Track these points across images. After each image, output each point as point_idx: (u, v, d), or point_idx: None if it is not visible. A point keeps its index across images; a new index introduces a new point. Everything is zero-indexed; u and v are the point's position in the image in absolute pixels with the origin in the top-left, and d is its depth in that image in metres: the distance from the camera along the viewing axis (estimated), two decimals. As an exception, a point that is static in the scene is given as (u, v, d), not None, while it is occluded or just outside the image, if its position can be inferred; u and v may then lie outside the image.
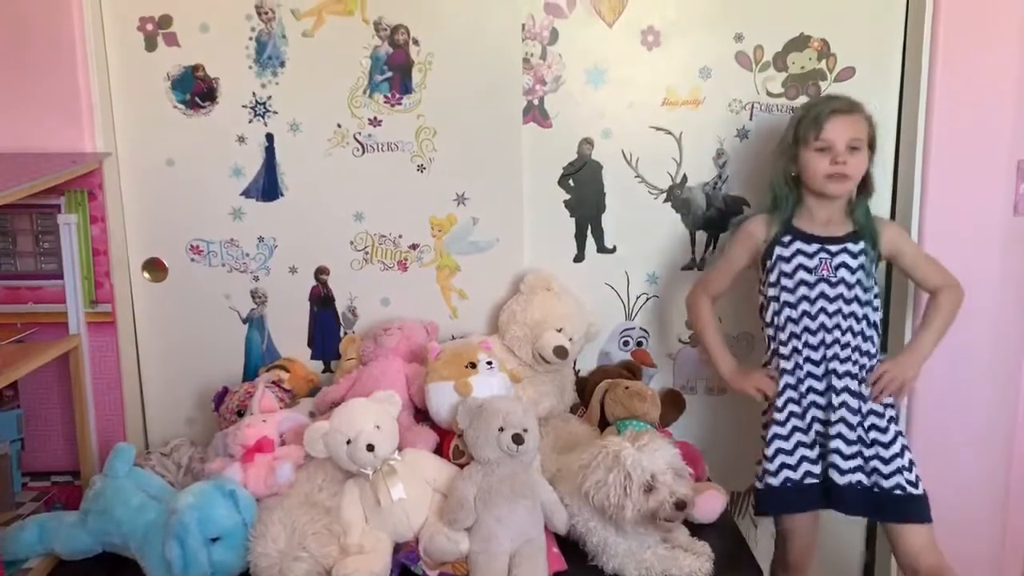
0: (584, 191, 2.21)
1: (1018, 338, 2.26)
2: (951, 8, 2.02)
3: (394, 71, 2.11)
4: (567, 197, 2.22)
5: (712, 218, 2.23)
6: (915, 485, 1.88)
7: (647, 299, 2.28)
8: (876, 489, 1.88)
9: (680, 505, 1.63)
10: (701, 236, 2.24)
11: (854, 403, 1.89)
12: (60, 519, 1.80)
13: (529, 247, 2.22)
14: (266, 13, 2.09)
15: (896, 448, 1.89)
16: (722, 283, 2.04)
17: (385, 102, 2.13)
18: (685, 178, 2.21)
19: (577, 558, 1.74)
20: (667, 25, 2.12)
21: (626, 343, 2.30)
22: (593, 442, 1.85)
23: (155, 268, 2.21)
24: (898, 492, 1.87)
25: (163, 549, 1.64)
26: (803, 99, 2.15)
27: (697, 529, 1.82)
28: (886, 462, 1.88)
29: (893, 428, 1.91)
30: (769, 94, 2.16)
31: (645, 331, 2.29)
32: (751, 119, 2.17)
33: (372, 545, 1.68)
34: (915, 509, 1.88)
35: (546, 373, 2.11)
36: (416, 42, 2.10)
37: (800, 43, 2.13)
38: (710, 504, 1.88)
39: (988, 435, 2.24)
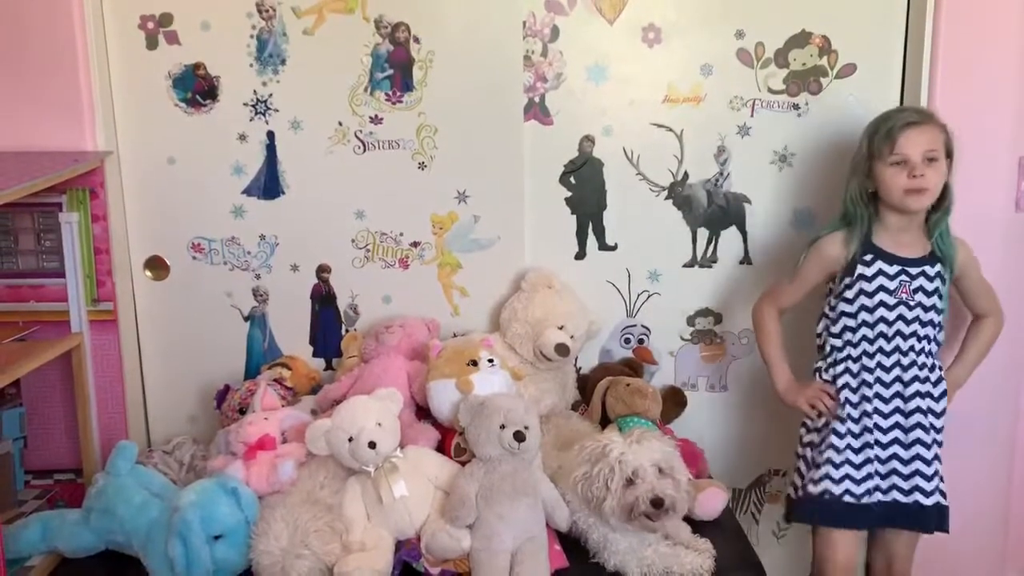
0: (585, 188, 2.21)
1: (1020, 334, 2.26)
2: (952, 4, 2.02)
3: (395, 69, 2.11)
4: (568, 194, 2.22)
5: (713, 215, 2.23)
6: (945, 496, 1.88)
7: (648, 296, 2.28)
8: (909, 502, 1.86)
9: (656, 503, 1.61)
10: (702, 233, 2.24)
11: (927, 423, 1.87)
12: (63, 517, 1.81)
13: (530, 245, 2.22)
14: (267, 11, 2.09)
15: (937, 465, 1.88)
16: (793, 298, 1.99)
17: (386, 100, 2.13)
18: (686, 175, 2.21)
19: (579, 555, 1.74)
20: (668, 22, 2.11)
21: (627, 340, 2.30)
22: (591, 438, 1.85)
23: (157, 266, 2.21)
24: (928, 504, 1.85)
25: (165, 547, 1.65)
26: (805, 96, 2.15)
27: (698, 526, 1.82)
28: (928, 479, 1.86)
29: (937, 440, 1.90)
30: (770, 91, 2.15)
31: (646, 328, 2.29)
32: (752, 116, 2.16)
33: (374, 542, 1.68)
34: (946, 520, 1.89)
35: (547, 371, 2.11)
36: (417, 40, 2.10)
37: (801, 40, 2.13)
38: (711, 501, 1.88)
39: (991, 430, 2.24)
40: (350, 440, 1.73)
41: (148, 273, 2.21)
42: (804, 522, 1.97)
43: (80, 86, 2.02)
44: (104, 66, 2.09)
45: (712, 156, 2.19)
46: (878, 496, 1.87)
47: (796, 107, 2.16)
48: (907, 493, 1.86)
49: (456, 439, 1.85)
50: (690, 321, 2.29)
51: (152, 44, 2.11)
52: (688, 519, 1.81)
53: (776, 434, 2.25)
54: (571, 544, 1.77)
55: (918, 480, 1.86)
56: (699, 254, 2.25)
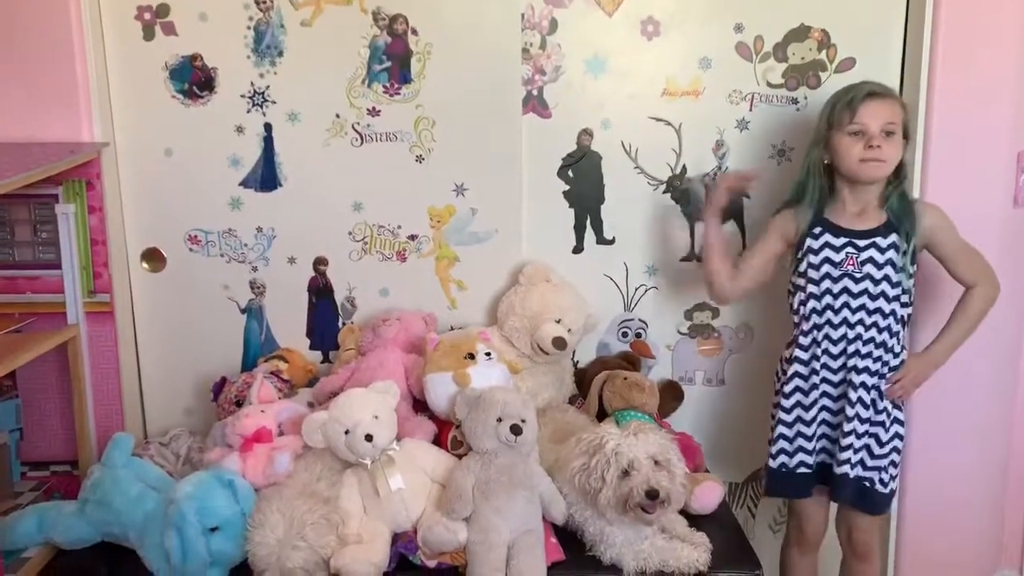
0: (583, 182, 2.21)
1: (1016, 328, 2.26)
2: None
3: (393, 61, 2.11)
4: (566, 188, 2.21)
5: (711, 209, 2.22)
6: (885, 484, 1.91)
7: (646, 290, 2.28)
8: (854, 476, 1.89)
9: (652, 494, 1.61)
10: (700, 228, 2.23)
11: (868, 399, 1.88)
12: (59, 509, 1.81)
13: (528, 238, 2.21)
14: (264, 2, 2.08)
15: (888, 448, 1.90)
16: (750, 258, 1.99)
17: (384, 92, 2.12)
18: (684, 169, 2.20)
19: (575, 548, 1.75)
20: (667, 15, 2.11)
21: (625, 334, 2.30)
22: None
23: (154, 258, 2.20)
24: (868, 486, 1.90)
25: (162, 539, 1.64)
26: (803, 90, 2.14)
27: (695, 520, 1.83)
28: (874, 457, 1.89)
29: (895, 429, 1.91)
30: (769, 85, 2.15)
31: (644, 322, 2.29)
32: (751, 110, 2.16)
33: (370, 535, 1.69)
34: (880, 504, 1.94)
35: (545, 364, 2.11)
36: (415, 32, 2.09)
37: (800, 34, 2.12)
38: (708, 495, 1.89)
39: (986, 424, 2.24)
40: (347, 433, 1.73)
41: (145, 265, 2.21)
42: (772, 495, 2.04)
43: (77, 77, 2.01)
44: (101, 57, 2.08)
45: (711, 150, 2.19)
46: (816, 456, 1.93)
47: (795, 101, 2.15)
48: (829, 456, 1.92)
49: (453, 432, 1.85)
50: (687, 315, 2.29)
51: (149, 35, 2.10)
52: (684, 513, 1.82)
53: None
54: (568, 537, 1.77)
55: (837, 449, 1.89)
56: (697, 248, 2.24)
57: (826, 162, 1.90)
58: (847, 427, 1.87)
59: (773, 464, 1.96)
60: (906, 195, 1.91)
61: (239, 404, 1.97)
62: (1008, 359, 2.25)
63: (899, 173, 1.89)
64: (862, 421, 1.88)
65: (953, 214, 1.97)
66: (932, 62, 2.05)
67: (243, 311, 2.24)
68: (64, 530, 1.78)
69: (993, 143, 2.10)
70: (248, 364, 2.23)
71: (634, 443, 1.64)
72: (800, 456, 1.93)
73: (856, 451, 1.88)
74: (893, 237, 1.86)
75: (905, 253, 1.86)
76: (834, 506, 2.02)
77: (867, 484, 1.90)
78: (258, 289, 2.23)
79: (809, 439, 1.92)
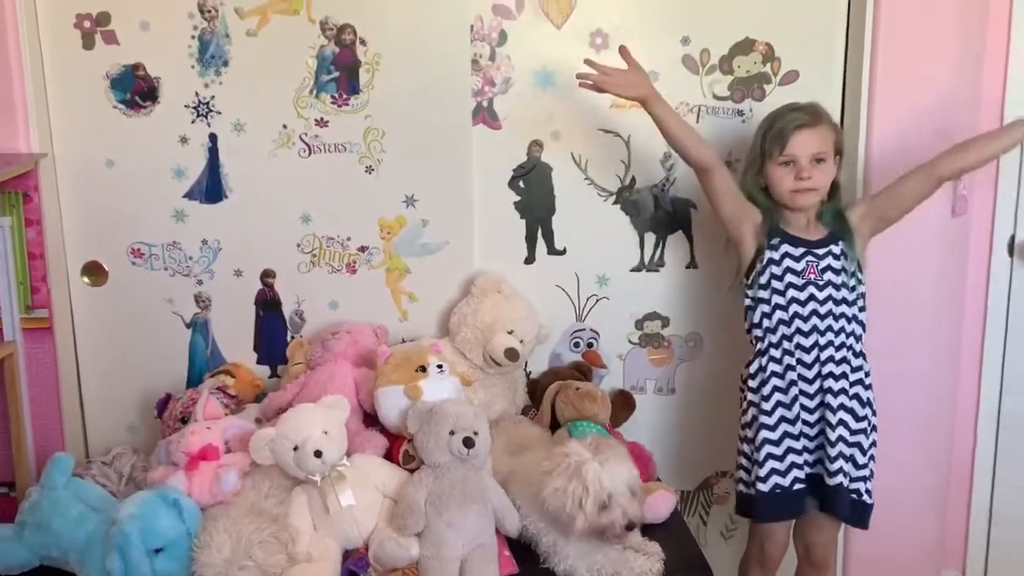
0: (534, 193, 2.21)
1: (955, 333, 2.32)
2: (891, 13, 2.07)
3: (341, 71, 2.09)
4: (517, 199, 2.22)
5: (660, 220, 2.25)
6: (871, 495, 1.92)
7: (597, 300, 2.29)
8: (846, 487, 1.89)
9: (630, 526, 1.64)
10: (650, 238, 2.25)
11: (850, 406, 1.89)
12: (-6, 533, 1.75)
13: (479, 249, 2.21)
14: (209, 12, 2.05)
15: (868, 457, 1.92)
16: (725, 177, 1.93)
17: (332, 103, 2.10)
18: (634, 180, 2.22)
19: (529, 560, 1.74)
20: (614, 28, 2.12)
21: (577, 344, 2.31)
22: (552, 446, 1.85)
23: (94, 272, 2.15)
24: (855, 497, 1.90)
25: (104, 562, 1.60)
26: (749, 102, 2.18)
27: (647, 529, 1.83)
28: (858, 467, 1.90)
29: (873, 437, 1.93)
30: (715, 97, 2.18)
31: (595, 332, 2.30)
32: (698, 121, 2.18)
33: (320, 553, 1.66)
34: (867, 516, 1.93)
35: (497, 375, 2.11)
36: (363, 42, 2.08)
37: (745, 47, 2.16)
38: (660, 504, 1.89)
39: (929, 427, 2.29)
40: (295, 449, 1.70)
41: (85, 279, 2.15)
42: (766, 520, 1.98)
43: (13, 86, 1.96)
44: (38, 66, 2.03)
45: (659, 161, 2.21)
46: (806, 470, 1.91)
47: (740, 113, 2.19)
48: (811, 467, 1.91)
49: (404, 446, 1.83)
50: (638, 325, 2.31)
51: (89, 44, 2.05)
52: (637, 522, 1.82)
53: (723, 436, 2.27)
54: (521, 549, 1.76)
55: (827, 460, 1.88)
56: (647, 258, 2.26)
57: (762, 186, 1.92)
58: (833, 436, 1.86)
59: (764, 487, 1.88)
60: (840, 211, 1.94)
61: (184, 421, 1.93)
62: (948, 362, 2.31)
63: (834, 193, 1.93)
64: (848, 430, 1.88)
65: (895, 225, 2.01)
66: (872, 76, 2.10)
67: (188, 325, 2.20)
68: (0, 555, 1.71)
69: (931, 154, 2.15)
70: (194, 380, 2.19)
71: (613, 473, 1.63)
72: (794, 472, 1.89)
73: (846, 460, 1.87)
74: (841, 245, 1.90)
75: (854, 259, 1.90)
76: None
77: (855, 496, 1.89)
78: (203, 303, 2.19)
79: (799, 453, 1.90)
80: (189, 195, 2.13)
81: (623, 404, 2.22)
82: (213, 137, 2.11)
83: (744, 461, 1.97)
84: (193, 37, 2.06)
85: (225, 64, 2.07)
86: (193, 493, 1.72)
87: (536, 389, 2.18)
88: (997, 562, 2.51)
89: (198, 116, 2.09)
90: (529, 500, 1.72)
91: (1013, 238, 2.37)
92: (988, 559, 2.52)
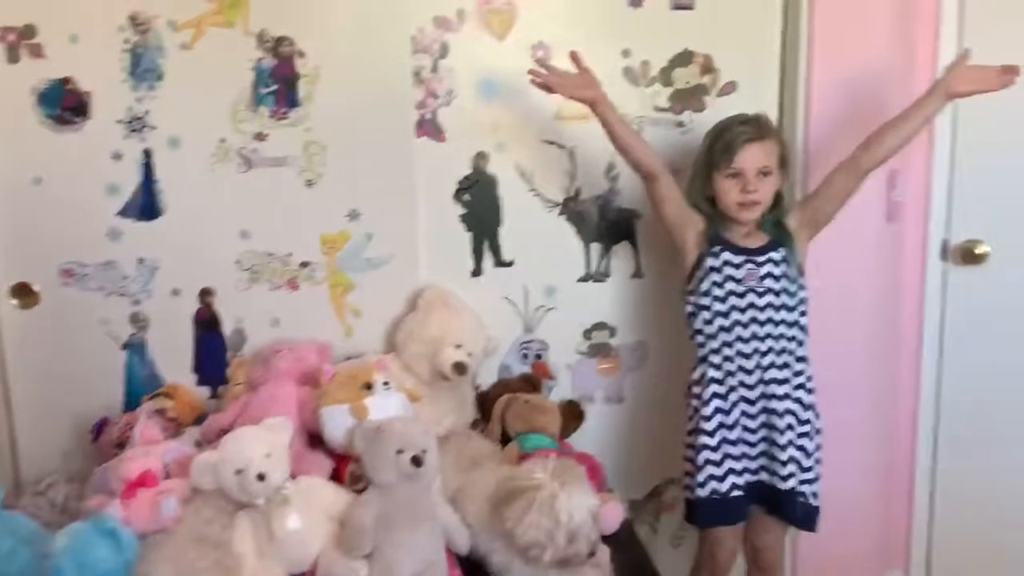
0: (480, 205, 2.20)
1: (893, 336, 2.38)
2: (824, 25, 2.12)
3: (279, 84, 2.05)
4: (463, 211, 2.20)
5: (606, 230, 2.26)
6: (817, 497, 1.95)
7: (545, 311, 2.28)
8: (796, 491, 1.92)
9: (592, 554, 1.63)
10: (596, 248, 2.26)
11: (793, 409, 1.91)
12: (-84, 570, 1.66)
13: (425, 262, 2.19)
14: (141, 24, 2.00)
15: (813, 460, 1.95)
16: (669, 185, 1.95)
17: (271, 116, 2.06)
18: (579, 191, 2.23)
19: (479, 578, 1.72)
20: (556, 40, 2.13)
21: (525, 356, 2.30)
22: (504, 462, 1.84)
23: (24, 294, 2.07)
24: (801, 500, 1.92)
25: (36, 599, 1.53)
26: (688, 113, 2.20)
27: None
28: (804, 470, 1.93)
29: (817, 440, 1.96)
30: (656, 109, 2.20)
31: (544, 344, 2.30)
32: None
33: (265, 580, 1.61)
34: (815, 518, 1.96)
35: (446, 390, 2.08)
36: (302, 54, 2.05)
37: (685, 59, 2.19)
38: (611, 515, 1.88)
39: (870, 432, 2.34)
40: (238, 473, 1.65)
41: (14, 301, 2.07)
42: (705, 526, 2.01)
43: (-69, 102, 1.88)
44: (-41, 80, 1.95)
45: (603, 172, 2.22)
46: (747, 476, 1.94)
47: (681, 124, 2.21)
48: (770, 474, 1.93)
49: (351, 467, 1.79)
50: (586, 335, 2.31)
51: (13, 57, 1.98)
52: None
53: (671, 444, 2.28)
54: (471, 567, 1.74)
55: (775, 464, 1.91)
56: (593, 269, 2.27)
57: (708, 196, 1.94)
58: (782, 441, 1.89)
59: (703, 493, 1.92)
60: (781, 221, 1.97)
61: (121, 446, 1.86)
62: (888, 365, 2.37)
63: (778, 203, 1.95)
64: (795, 434, 1.91)
65: (832, 229, 2.05)
66: (808, 86, 2.15)
67: (124, 347, 2.13)
68: (-76, 595, 1.63)
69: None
70: (131, 403, 2.12)
71: (579, 502, 1.61)
72: (731, 479, 1.92)
73: (796, 464, 1.90)
74: (782, 251, 1.93)
75: (795, 265, 1.93)
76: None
77: (801, 499, 1.92)
78: (140, 323, 2.12)
79: (737, 459, 1.92)
80: (123, 212, 2.07)
81: (572, 414, 2.21)
82: (148, 152, 2.05)
83: (689, 467, 1.99)
84: (125, 50, 2.00)
85: (159, 78, 2.02)
86: (131, 522, 1.64)
87: (486, 402, 2.16)
88: (939, 562, 2.57)
89: (131, 131, 2.04)
90: (482, 518, 1.70)
91: (946, 242, 2.45)
92: (930, 559, 2.58)
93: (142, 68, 2.01)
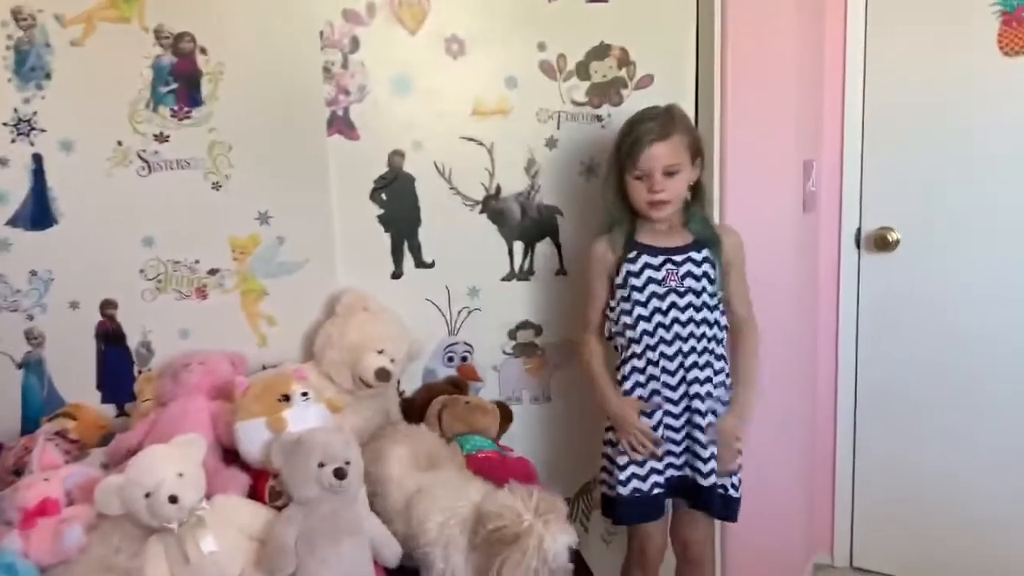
0: (398, 204, 2.14)
1: (812, 323, 2.42)
2: (736, 18, 2.13)
3: (180, 82, 1.95)
4: (380, 211, 2.14)
5: (528, 228, 2.23)
6: (737, 489, 1.96)
7: (469, 313, 2.24)
8: (717, 485, 1.93)
9: None
10: (518, 246, 2.23)
11: (712, 407, 1.92)
12: None
13: (343, 266, 2.11)
14: (25, 19, 1.87)
15: (714, 449, 1.94)
16: (597, 315, 1.99)
17: (172, 116, 1.96)
18: (499, 188, 2.19)
19: (411, 588, 1.67)
20: (470, 34, 2.09)
21: (451, 359, 2.25)
22: (464, 469, 1.82)
23: (-99, 313, 1.92)
24: (721, 492, 1.94)
25: (-77, 645, 1.41)
26: (607, 107, 2.19)
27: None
28: (705, 461, 1.92)
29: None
30: (574, 103, 2.18)
31: (469, 345, 2.25)
32: (559, 128, 2.18)
33: (181, 608, 1.53)
34: (736, 510, 1.97)
35: (369, 398, 2.02)
36: (204, 51, 1.95)
37: (601, 52, 2.17)
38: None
39: (791, 421, 2.38)
40: (147, 496, 1.55)
41: None
42: (625, 523, 2.01)
43: None
44: None
45: (523, 169, 2.19)
46: (670, 472, 1.94)
47: (599, 118, 2.20)
48: (692, 470, 1.93)
49: (270, 483, 1.71)
50: (511, 335, 2.28)
51: None
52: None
53: (599, 441, 2.26)
54: (402, 578, 1.69)
55: (697, 461, 1.92)
56: (516, 267, 2.24)
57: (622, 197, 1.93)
58: (704, 439, 1.89)
59: (624, 491, 1.92)
60: (707, 218, 1.97)
61: (19, 473, 1.74)
62: (807, 353, 2.41)
63: (697, 195, 1.94)
64: (703, 430, 1.91)
65: (750, 220, 2.08)
66: (723, 78, 2.16)
67: (19, 366, 2.00)
68: None
69: (782, 153, 2.24)
70: (29, 426, 1.99)
71: (563, 542, 1.59)
72: (653, 478, 1.92)
73: (707, 460, 1.90)
74: (705, 252, 1.92)
75: (715, 267, 1.93)
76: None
77: (722, 491, 1.93)
78: (35, 340, 1.99)
79: (659, 458, 1.93)
80: (12, 222, 1.94)
81: (502, 416, 2.18)
82: (37, 157, 1.92)
83: (607, 463, 1.99)
84: (8, 48, 1.88)
85: (47, 77, 1.90)
86: (31, 553, 1.55)
87: (411, 408, 2.11)
88: (861, 544, 2.64)
89: (19, 135, 1.91)
90: (451, 536, 1.64)
91: (859, 230, 2.51)
92: (852, 542, 2.65)
93: (28, 66, 1.88)
